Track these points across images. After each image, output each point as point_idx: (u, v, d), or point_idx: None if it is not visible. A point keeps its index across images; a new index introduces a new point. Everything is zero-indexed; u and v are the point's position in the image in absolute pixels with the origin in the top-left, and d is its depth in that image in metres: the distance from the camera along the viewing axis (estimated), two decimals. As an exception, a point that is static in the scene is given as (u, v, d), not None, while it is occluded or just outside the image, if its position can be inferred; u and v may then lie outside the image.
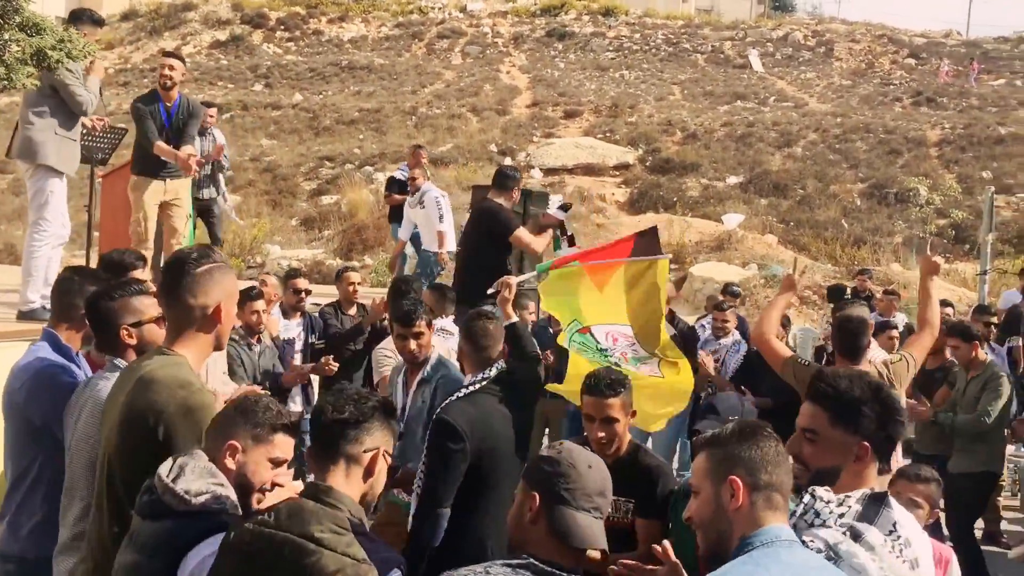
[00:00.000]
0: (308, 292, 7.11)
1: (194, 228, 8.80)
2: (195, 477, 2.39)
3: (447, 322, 5.87)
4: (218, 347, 2.83)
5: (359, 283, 7.36)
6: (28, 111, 6.10)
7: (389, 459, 2.41)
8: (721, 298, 9.38)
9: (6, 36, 5.59)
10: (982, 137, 26.41)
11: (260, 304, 6.05)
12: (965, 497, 6.20)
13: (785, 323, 7.59)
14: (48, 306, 5.93)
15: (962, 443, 6.43)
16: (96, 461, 2.77)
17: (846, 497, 2.29)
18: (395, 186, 11.00)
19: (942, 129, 27.90)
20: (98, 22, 6.45)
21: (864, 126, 28.25)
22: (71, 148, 6.19)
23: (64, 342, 3.39)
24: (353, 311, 7.18)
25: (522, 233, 6.12)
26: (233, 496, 2.43)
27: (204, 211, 9.23)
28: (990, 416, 6.29)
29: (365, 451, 2.33)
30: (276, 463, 2.52)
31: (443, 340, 5.33)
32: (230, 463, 2.47)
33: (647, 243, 4.94)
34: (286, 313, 7.00)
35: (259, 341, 5.99)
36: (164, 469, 2.40)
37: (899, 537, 2.26)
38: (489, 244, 6.09)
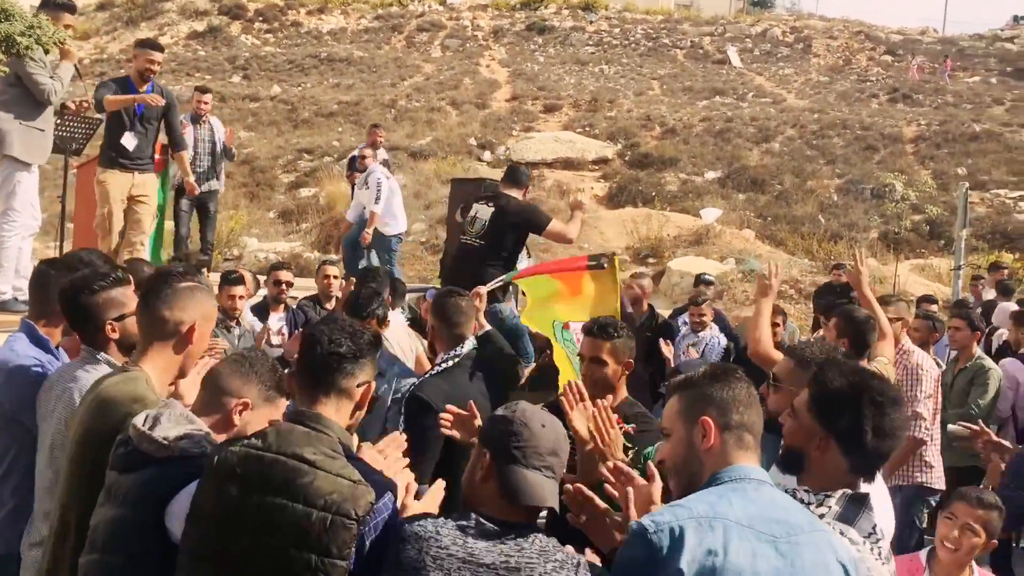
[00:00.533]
0: (289, 284, 7.06)
1: (161, 225, 8.66)
2: (172, 424, 2.33)
3: (395, 314, 5.80)
4: (182, 373, 2.73)
5: (336, 276, 7.31)
6: None
7: (372, 390, 2.40)
8: (702, 288, 9.41)
9: None
10: (957, 134, 26.63)
11: (239, 289, 6.08)
12: (950, 491, 6.23)
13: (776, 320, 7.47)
14: (19, 297, 5.89)
15: (947, 438, 6.45)
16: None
17: (826, 497, 2.27)
18: (356, 164, 11.04)
19: (918, 126, 28.12)
20: (69, 8, 6.33)
21: (841, 122, 28.42)
22: (37, 138, 6.06)
23: (42, 335, 3.32)
24: (332, 305, 7.14)
25: (556, 225, 6.16)
26: (215, 438, 2.37)
27: (201, 206, 9.12)
28: (979, 410, 6.31)
29: (358, 385, 2.31)
30: (272, 423, 2.49)
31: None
32: (238, 420, 2.44)
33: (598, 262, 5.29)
34: (268, 306, 6.96)
35: (238, 324, 6.00)
36: (139, 420, 2.34)
37: (878, 540, 2.26)
38: (513, 239, 6.10)
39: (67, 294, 3.04)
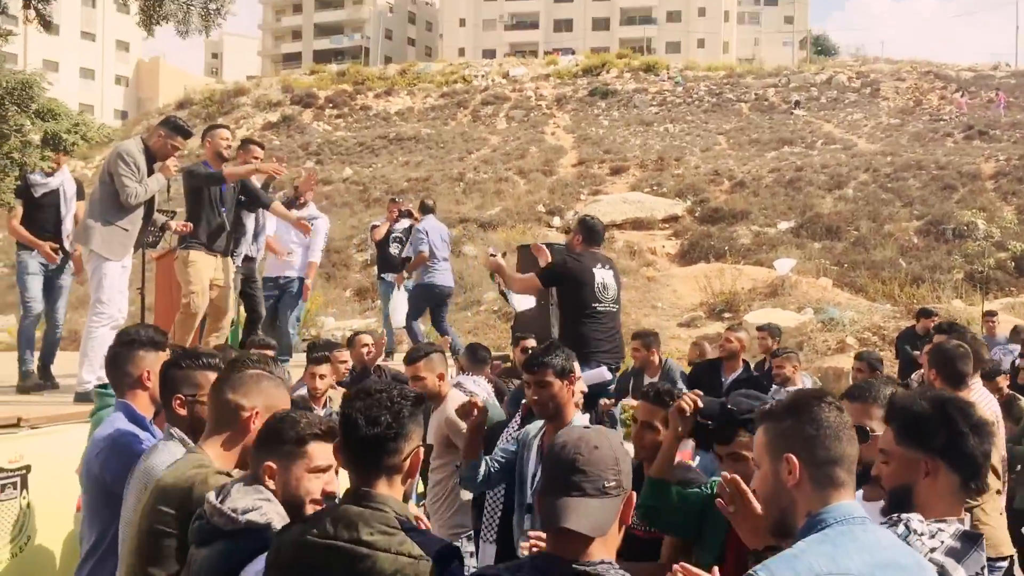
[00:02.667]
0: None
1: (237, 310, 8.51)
2: (241, 495, 2.38)
3: (478, 383, 5.71)
4: (242, 464, 2.73)
5: (371, 344, 7.11)
6: (89, 196, 6.36)
7: (423, 451, 2.32)
8: (766, 339, 9.08)
9: (23, 121, 5.88)
10: (1039, 167, 25.89)
11: (323, 368, 5.87)
12: None
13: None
14: (103, 388, 6.05)
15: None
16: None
17: (939, 530, 2.20)
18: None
19: (996, 161, 27.41)
20: (184, 133, 6.59)
21: (916, 163, 27.88)
22: (119, 236, 6.21)
23: (138, 412, 3.40)
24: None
25: None
26: (281, 509, 2.40)
27: (246, 280, 7.98)
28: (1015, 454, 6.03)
29: (405, 458, 2.25)
30: (319, 471, 2.47)
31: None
32: (271, 484, 2.46)
33: None
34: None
35: (324, 406, 5.71)
36: (211, 494, 2.40)
37: None
38: None
39: (163, 365, 3.16)
